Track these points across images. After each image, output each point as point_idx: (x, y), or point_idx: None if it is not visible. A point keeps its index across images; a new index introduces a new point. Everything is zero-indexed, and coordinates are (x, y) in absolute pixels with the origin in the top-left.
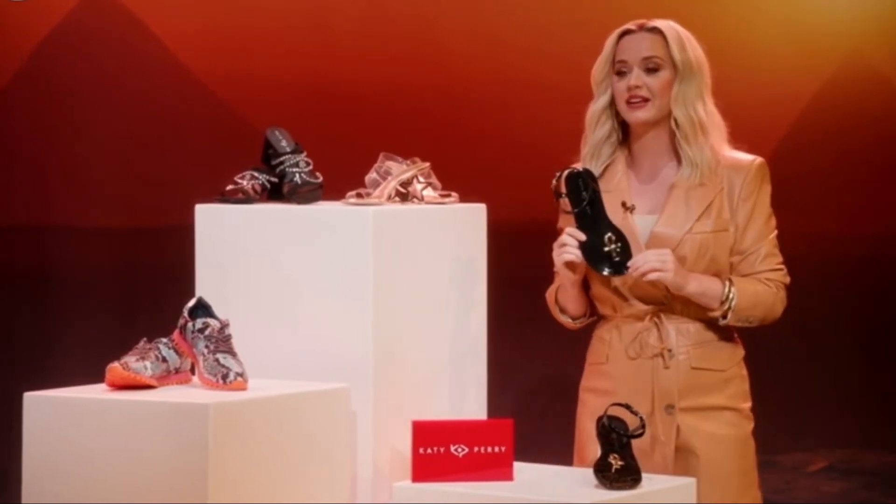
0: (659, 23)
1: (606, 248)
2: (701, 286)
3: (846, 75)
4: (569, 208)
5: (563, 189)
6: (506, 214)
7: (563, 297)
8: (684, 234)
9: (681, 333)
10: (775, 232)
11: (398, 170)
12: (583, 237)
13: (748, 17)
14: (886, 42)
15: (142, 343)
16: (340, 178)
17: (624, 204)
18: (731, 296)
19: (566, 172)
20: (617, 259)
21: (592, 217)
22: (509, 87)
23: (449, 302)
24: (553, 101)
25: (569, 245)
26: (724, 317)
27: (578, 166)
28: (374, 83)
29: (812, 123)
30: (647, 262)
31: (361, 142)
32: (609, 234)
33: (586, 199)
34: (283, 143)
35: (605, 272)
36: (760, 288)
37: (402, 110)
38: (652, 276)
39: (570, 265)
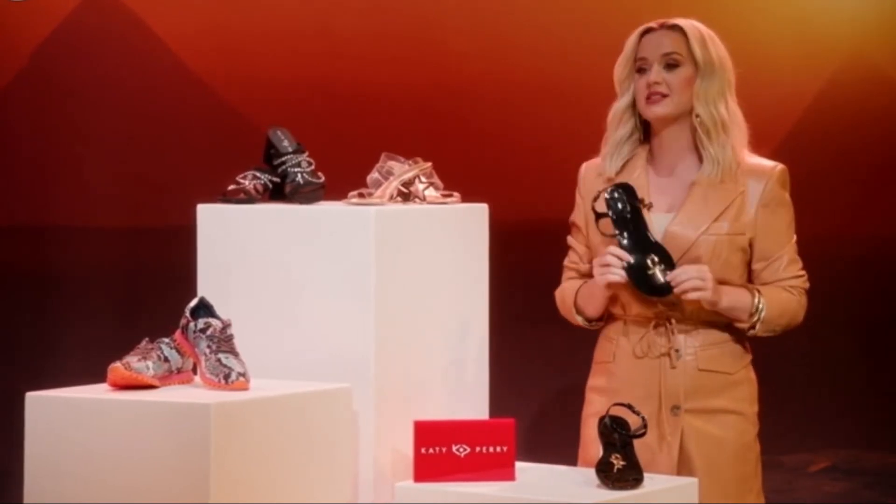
0: (681, 21)
1: (650, 271)
2: (731, 300)
3: (848, 75)
4: (609, 230)
5: (605, 209)
6: (508, 214)
7: (588, 302)
8: (699, 234)
9: (689, 335)
10: (795, 237)
11: (400, 170)
12: (629, 258)
13: (749, 17)
14: (888, 41)
15: (143, 343)
16: (342, 178)
17: (642, 201)
18: (760, 307)
19: (605, 193)
20: (664, 281)
21: (636, 238)
22: (511, 87)
23: (451, 302)
24: (556, 102)
25: (613, 266)
26: (753, 328)
27: (614, 180)
28: (376, 83)
29: (814, 123)
30: (690, 280)
31: (363, 142)
32: (653, 256)
33: (630, 219)
34: (285, 143)
35: (653, 294)
36: (785, 296)
37: (404, 110)
38: (693, 296)
39: (611, 285)
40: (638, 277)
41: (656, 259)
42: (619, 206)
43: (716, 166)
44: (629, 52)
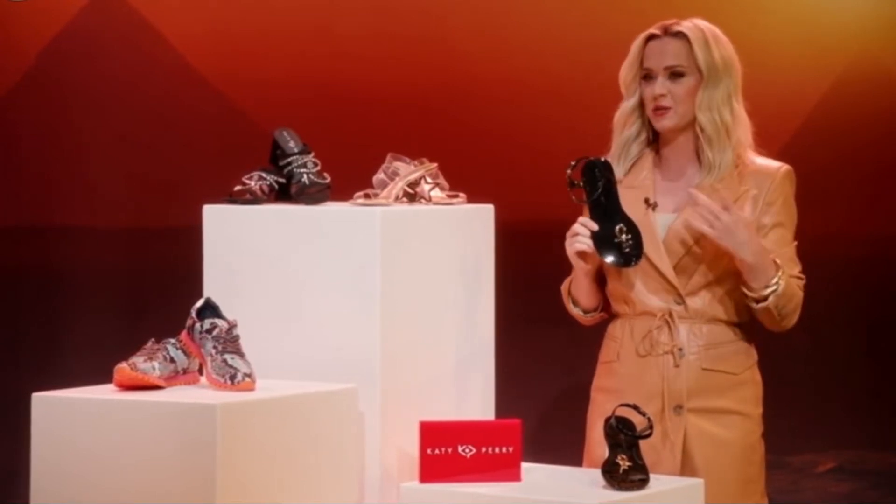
0: (684, 25)
1: (617, 239)
2: (759, 260)
3: (854, 75)
4: (582, 198)
5: (578, 178)
6: (513, 215)
7: (576, 288)
8: (702, 234)
9: (693, 334)
10: (796, 242)
11: (406, 170)
12: (595, 227)
13: (755, 17)
14: (894, 41)
15: (150, 343)
16: (348, 179)
17: (647, 200)
18: (780, 281)
19: (582, 161)
20: (627, 250)
21: (606, 207)
22: (517, 87)
23: (457, 302)
24: (561, 102)
25: (580, 234)
26: (764, 300)
27: (597, 157)
28: (382, 84)
29: (820, 123)
30: (701, 209)
31: (369, 142)
32: (621, 225)
33: (600, 188)
34: (291, 144)
35: (611, 261)
36: (794, 284)
37: (409, 111)
38: (696, 225)
39: (581, 255)
40: (603, 246)
41: (624, 228)
42: (594, 176)
43: (714, 172)
44: (634, 57)
